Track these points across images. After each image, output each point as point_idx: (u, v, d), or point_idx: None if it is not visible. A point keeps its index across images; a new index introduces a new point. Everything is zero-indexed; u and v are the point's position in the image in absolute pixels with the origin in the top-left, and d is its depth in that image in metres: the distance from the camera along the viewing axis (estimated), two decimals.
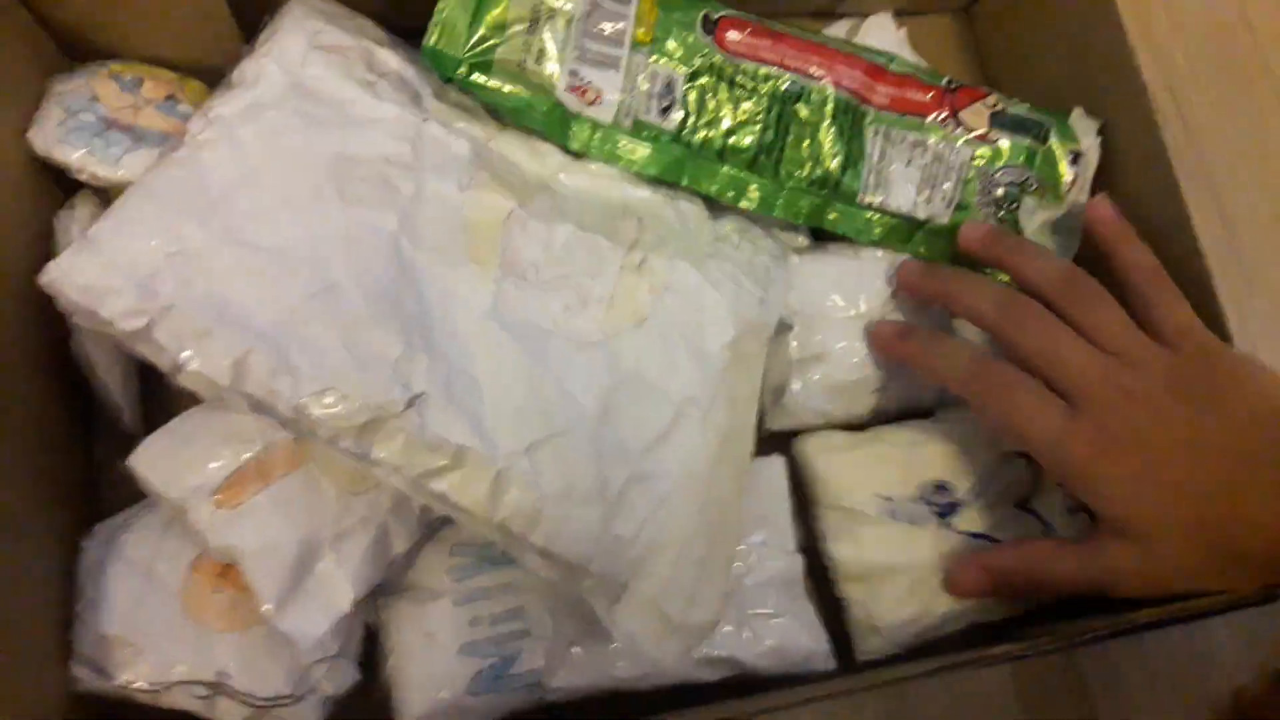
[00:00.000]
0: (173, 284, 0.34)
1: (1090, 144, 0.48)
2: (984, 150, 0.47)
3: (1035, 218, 0.47)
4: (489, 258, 0.38)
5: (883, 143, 0.46)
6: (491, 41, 0.41)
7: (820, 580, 0.44)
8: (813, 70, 0.45)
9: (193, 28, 0.45)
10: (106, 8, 0.44)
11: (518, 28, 0.41)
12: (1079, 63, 0.50)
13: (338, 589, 0.38)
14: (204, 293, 0.34)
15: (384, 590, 0.40)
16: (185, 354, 0.33)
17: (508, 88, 0.42)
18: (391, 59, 0.41)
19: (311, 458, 0.38)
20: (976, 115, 0.47)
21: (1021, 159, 0.47)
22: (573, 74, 0.42)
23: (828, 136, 0.45)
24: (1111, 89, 0.48)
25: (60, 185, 0.43)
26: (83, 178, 0.42)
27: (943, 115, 0.46)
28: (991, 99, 0.47)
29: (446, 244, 0.37)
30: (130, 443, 0.42)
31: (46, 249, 0.42)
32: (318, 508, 0.38)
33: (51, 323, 0.41)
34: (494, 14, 0.41)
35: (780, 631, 0.41)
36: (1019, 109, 0.48)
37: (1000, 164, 0.47)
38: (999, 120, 0.47)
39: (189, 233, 0.35)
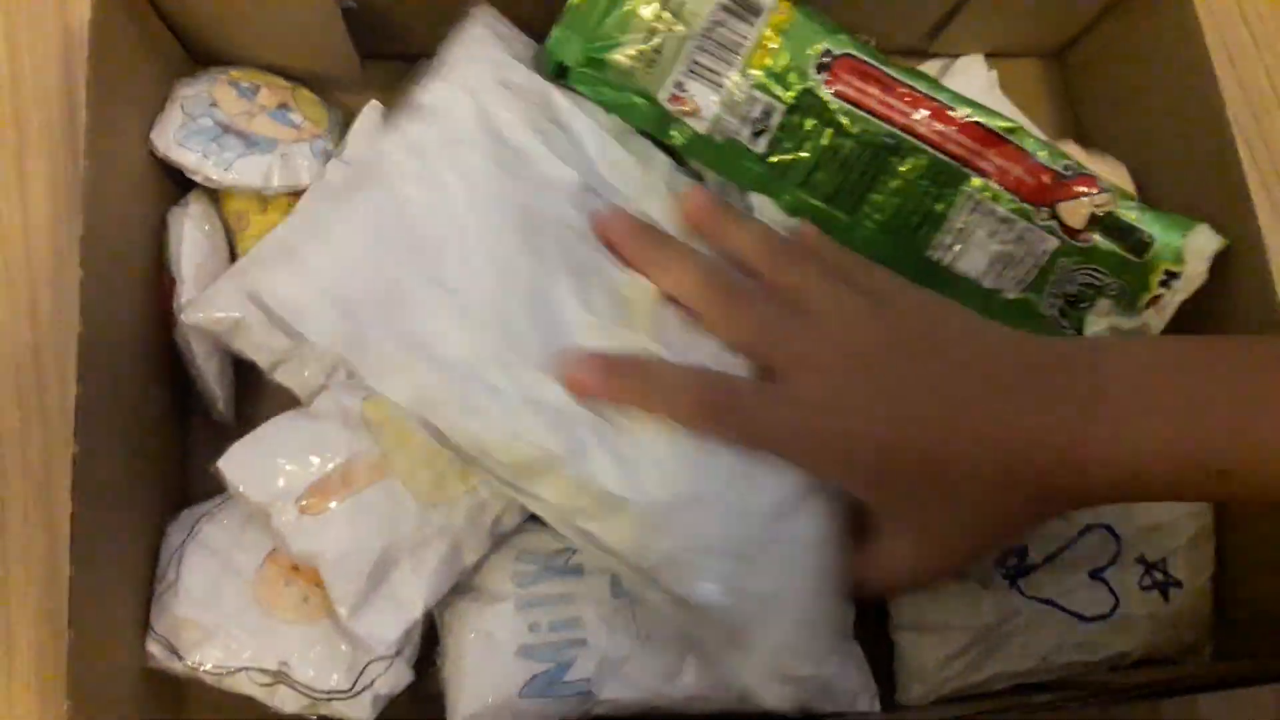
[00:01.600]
0: (375, 314, 0.35)
1: (1196, 268, 0.46)
2: (1072, 247, 0.46)
3: (1102, 321, 0.46)
4: (642, 325, 0.39)
5: (971, 209, 0.45)
6: (612, 40, 0.43)
7: (872, 612, 0.44)
8: (919, 129, 0.44)
9: (309, 39, 0.48)
10: (230, 17, 0.47)
11: (639, 33, 0.43)
12: (1171, 114, 0.50)
13: (410, 597, 0.40)
14: (403, 328, 0.35)
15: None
16: (378, 382, 0.35)
17: (616, 87, 0.44)
18: (564, 106, 0.43)
19: (393, 470, 0.40)
20: (1078, 211, 0.45)
21: (1109, 265, 0.46)
22: (678, 85, 0.43)
23: (915, 190, 0.45)
24: (1201, 142, 0.48)
25: (175, 182, 0.46)
26: (197, 179, 0.45)
27: (1044, 206, 0.45)
28: (1102, 198, 0.45)
29: (607, 309, 0.39)
30: (222, 430, 0.45)
31: (159, 241, 0.45)
32: (397, 519, 0.39)
33: (157, 311, 0.44)
34: (620, 15, 0.43)
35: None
36: (1129, 213, 0.46)
37: (1085, 263, 0.46)
38: (1100, 223, 0.45)
39: (393, 266, 0.36)
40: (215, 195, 0.46)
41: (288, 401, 0.46)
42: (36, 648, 0.44)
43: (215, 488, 0.41)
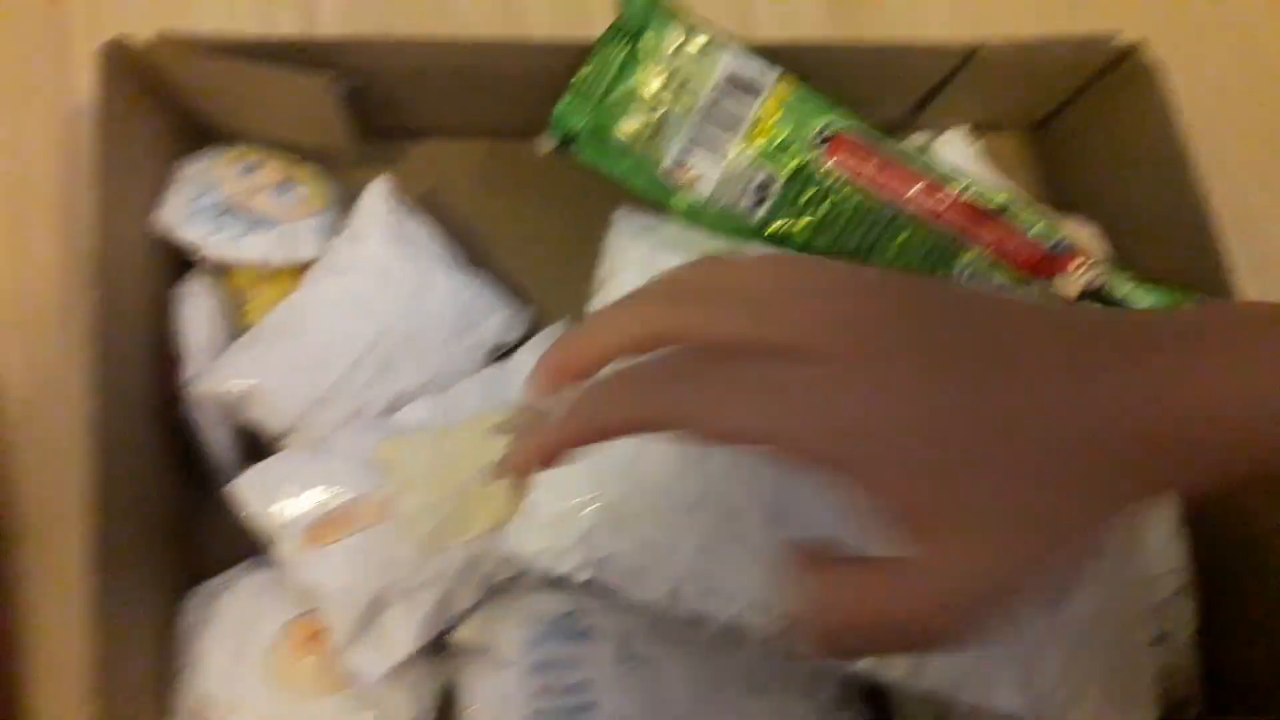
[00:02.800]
0: (607, 534, 0.39)
1: None
2: None
3: None
4: None
5: (969, 276, 0.47)
6: (618, 112, 0.44)
7: None
8: (913, 205, 0.46)
9: (309, 118, 0.49)
10: (232, 97, 0.47)
11: (643, 105, 0.44)
12: (1148, 183, 0.51)
13: (401, 638, 0.41)
14: (633, 537, 0.39)
15: (461, 652, 0.42)
16: (625, 587, 0.39)
17: (618, 157, 0.45)
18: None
19: (398, 512, 0.41)
20: (1072, 284, 0.47)
21: None
22: (679, 158, 0.45)
23: (912, 261, 0.46)
24: (1178, 210, 0.49)
25: (181, 260, 0.47)
26: (201, 256, 0.45)
27: (1039, 279, 0.47)
28: (1094, 272, 0.47)
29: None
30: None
31: (166, 319, 0.45)
32: (396, 561, 0.40)
33: (163, 383, 0.44)
34: (626, 88, 0.44)
35: None
36: (1123, 287, 0.48)
37: None
38: (1095, 296, 0.47)
39: (612, 487, 0.39)
40: (220, 271, 0.47)
41: None
42: None
43: (229, 558, 0.41)
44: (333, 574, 0.40)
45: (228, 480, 0.44)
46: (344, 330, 0.44)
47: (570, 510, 0.39)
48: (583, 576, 0.39)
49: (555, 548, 0.39)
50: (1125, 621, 0.40)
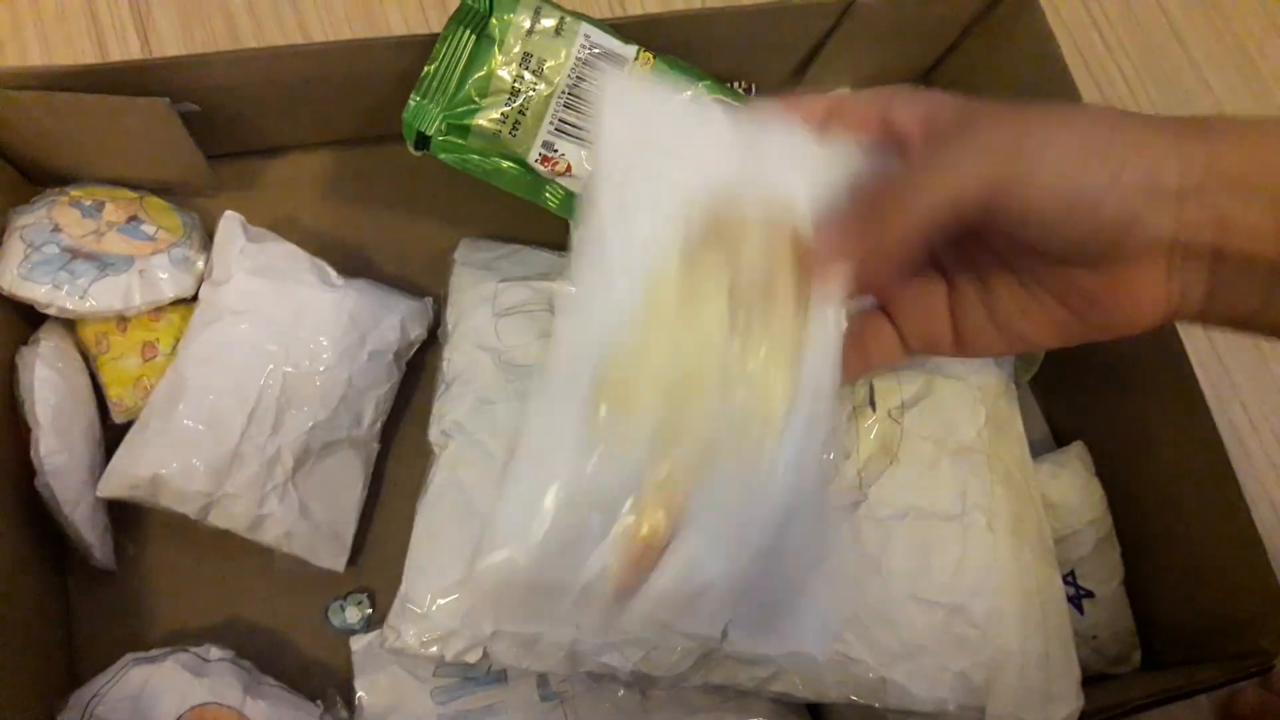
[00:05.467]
0: (489, 610, 0.36)
1: None
2: None
3: None
4: None
5: None
6: (472, 106, 0.41)
7: None
8: None
9: (152, 147, 0.45)
10: (65, 134, 0.44)
11: (500, 94, 0.42)
12: None
13: None
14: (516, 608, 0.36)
15: (368, 715, 0.40)
16: (519, 660, 0.37)
17: (481, 152, 0.42)
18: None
19: None
20: None
21: None
22: (545, 145, 0.42)
23: None
24: None
25: (23, 316, 0.43)
26: (50, 311, 0.42)
27: None
28: None
29: None
30: (102, 578, 0.42)
31: (10, 383, 0.42)
32: None
33: (16, 459, 0.41)
34: (478, 78, 0.41)
35: None
36: None
37: None
38: None
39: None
40: (69, 323, 0.43)
41: (173, 534, 0.44)
42: None
43: (104, 658, 0.38)
44: None
45: (99, 557, 0.42)
46: (231, 385, 0.41)
47: (447, 591, 0.37)
48: (473, 658, 0.37)
49: (438, 634, 0.37)
50: (1038, 595, 0.39)
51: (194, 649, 0.39)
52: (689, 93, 0.43)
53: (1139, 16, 0.62)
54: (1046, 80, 0.49)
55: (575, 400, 0.27)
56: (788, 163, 0.30)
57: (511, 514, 0.27)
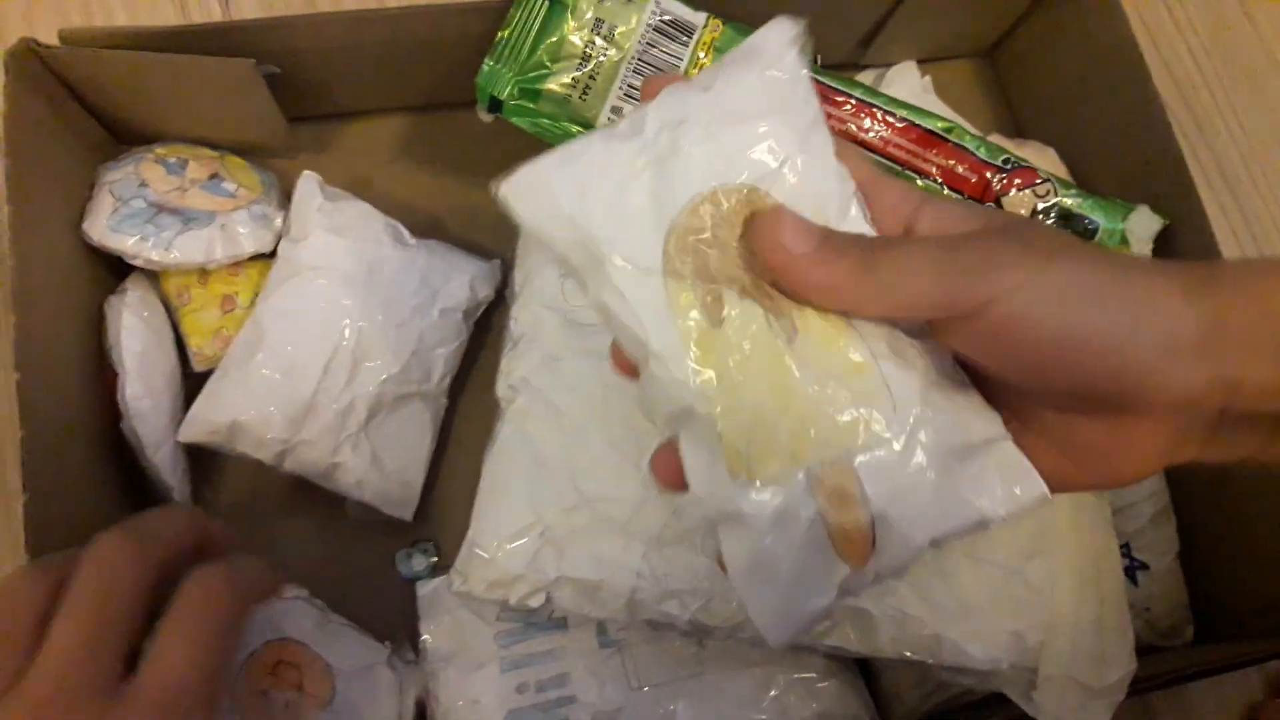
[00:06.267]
0: (553, 557, 0.38)
1: (1141, 249, 0.46)
2: None
3: None
4: None
5: None
6: (544, 71, 0.42)
7: None
8: (860, 135, 0.45)
9: (234, 108, 0.47)
10: (152, 94, 0.45)
11: (572, 60, 0.43)
12: (1104, 101, 0.50)
13: None
14: (580, 555, 0.38)
15: (432, 657, 0.41)
16: (580, 606, 0.38)
17: (551, 117, 0.43)
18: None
19: None
20: (1021, 203, 0.46)
21: None
22: (614, 110, 0.43)
23: None
24: (1135, 126, 0.48)
25: (110, 268, 0.45)
26: (137, 263, 0.43)
27: (988, 201, 0.46)
28: (1044, 187, 0.46)
29: None
30: None
31: (98, 333, 0.43)
32: None
33: (102, 404, 0.42)
34: (551, 44, 0.42)
35: (829, 696, 0.41)
36: (1071, 200, 0.46)
37: None
38: (1044, 214, 0.46)
39: (550, 508, 0.39)
40: (153, 275, 0.45)
41: (248, 480, 0.46)
42: None
43: None
44: None
45: (177, 500, 0.43)
46: (307, 338, 0.43)
47: (513, 537, 0.38)
48: (536, 602, 0.38)
49: (504, 579, 0.38)
50: (1094, 560, 0.39)
51: None
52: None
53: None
54: (1114, 57, 0.49)
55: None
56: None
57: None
